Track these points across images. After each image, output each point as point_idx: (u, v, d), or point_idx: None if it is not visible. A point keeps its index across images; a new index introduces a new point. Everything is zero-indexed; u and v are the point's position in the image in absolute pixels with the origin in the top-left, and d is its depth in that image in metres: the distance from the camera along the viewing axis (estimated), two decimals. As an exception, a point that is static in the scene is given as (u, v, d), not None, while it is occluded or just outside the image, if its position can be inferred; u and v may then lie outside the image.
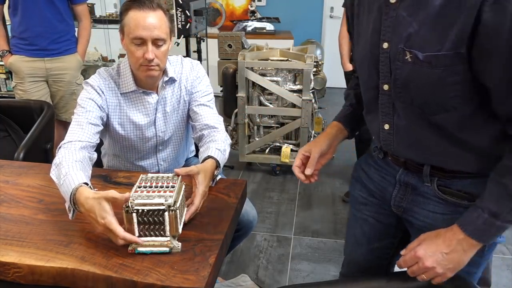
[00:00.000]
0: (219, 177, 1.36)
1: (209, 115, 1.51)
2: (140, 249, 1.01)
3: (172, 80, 1.50)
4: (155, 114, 1.50)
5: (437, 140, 0.92)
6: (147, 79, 1.43)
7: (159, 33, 1.34)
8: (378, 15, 0.90)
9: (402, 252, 0.98)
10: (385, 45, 0.90)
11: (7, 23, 2.66)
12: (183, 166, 1.76)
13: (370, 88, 0.99)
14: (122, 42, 1.40)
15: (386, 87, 0.94)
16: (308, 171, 1.12)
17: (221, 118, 1.54)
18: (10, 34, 2.62)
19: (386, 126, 0.99)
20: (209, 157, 1.31)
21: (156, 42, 1.35)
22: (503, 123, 0.87)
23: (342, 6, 2.59)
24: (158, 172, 1.63)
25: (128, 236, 1.00)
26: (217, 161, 1.31)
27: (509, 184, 0.85)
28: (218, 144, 1.39)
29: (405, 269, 0.97)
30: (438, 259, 0.90)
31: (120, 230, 0.99)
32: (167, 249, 1.02)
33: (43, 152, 2.05)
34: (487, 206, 0.87)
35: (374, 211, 1.17)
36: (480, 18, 0.75)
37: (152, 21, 1.32)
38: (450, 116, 0.87)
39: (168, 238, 1.03)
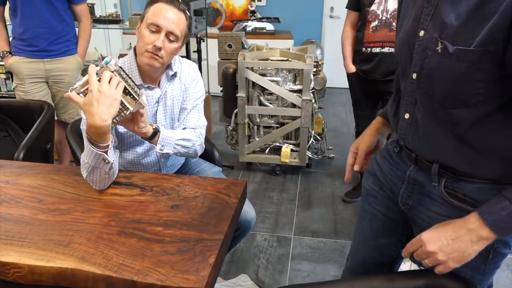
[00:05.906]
0: (161, 148, 1.44)
1: (194, 119, 1.60)
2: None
3: (175, 75, 1.56)
4: (157, 107, 1.54)
5: (449, 138, 0.91)
6: (147, 67, 1.45)
7: (175, 28, 1.42)
8: (422, 2, 0.90)
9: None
10: (421, 33, 0.90)
11: (7, 24, 2.65)
12: (184, 164, 1.78)
13: (404, 75, 0.98)
14: (138, 29, 1.45)
15: (414, 75, 0.93)
16: (356, 168, 1.19)
17: (204, 121, 1.63)
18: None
19: (407, 115, 0.99)
20: (157, 129, 1.42)
21: (169, 36, 1.42)
22: None
23: (346, 8, 2.55)
24: (159, 170, 1.63)
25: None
26: (156, 132, 1.41)
27: None
28: (182, 134, 1.51)
29: (407, 269, 0.96)
30: (442, 245, 0.87)
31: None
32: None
33: (43, 152, 2.05)
34: None
35: (383, 205, 1.17)
36: None
37: (173, 16, 1.42)
38: (468, 113, 0.85)
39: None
